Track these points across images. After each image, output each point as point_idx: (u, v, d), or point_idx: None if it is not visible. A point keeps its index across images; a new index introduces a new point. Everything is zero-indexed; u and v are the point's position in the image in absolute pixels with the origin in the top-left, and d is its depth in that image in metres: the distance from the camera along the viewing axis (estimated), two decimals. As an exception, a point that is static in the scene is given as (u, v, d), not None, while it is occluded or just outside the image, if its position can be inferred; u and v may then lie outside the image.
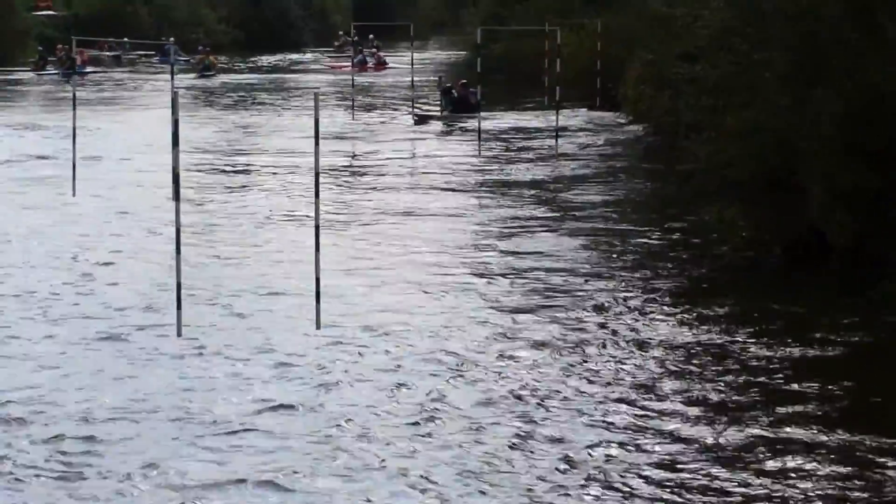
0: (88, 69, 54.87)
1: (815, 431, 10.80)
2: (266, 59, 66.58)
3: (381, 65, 59.02)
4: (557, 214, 21.21)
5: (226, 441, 10.73)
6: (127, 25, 65.70)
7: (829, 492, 9.61)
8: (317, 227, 13.94)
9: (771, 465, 10.13)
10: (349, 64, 54.76)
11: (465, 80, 36.88)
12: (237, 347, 13.50)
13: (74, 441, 10.71)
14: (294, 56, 69.11)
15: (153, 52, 64.32)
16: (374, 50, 60.20)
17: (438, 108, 36.95)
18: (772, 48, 16.71)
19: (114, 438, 10.77)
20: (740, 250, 17.83)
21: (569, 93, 34.56)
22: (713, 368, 12.63)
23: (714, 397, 11.79)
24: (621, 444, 10.57)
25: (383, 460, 10.27)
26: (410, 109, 37.32)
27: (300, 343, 13.61)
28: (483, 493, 9.66)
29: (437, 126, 35.11)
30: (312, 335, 13.66)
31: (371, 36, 59.82)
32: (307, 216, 19.37)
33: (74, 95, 25.31)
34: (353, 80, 43.24)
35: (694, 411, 11.38)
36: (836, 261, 15.99)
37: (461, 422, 11.18)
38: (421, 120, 36.05)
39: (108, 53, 66.30)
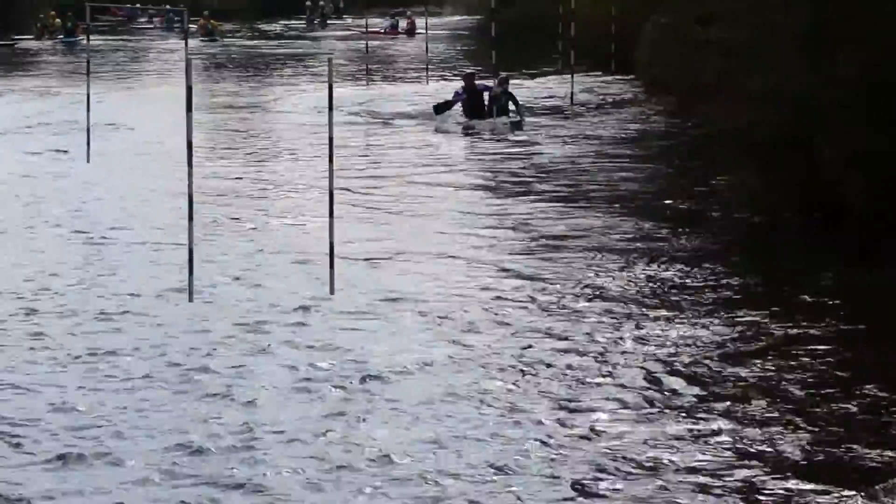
0: (80, 37, 54.68)
1: (835, 398, 10.71)
2: (274, 26, 66.33)
3: (412, 31, 58.78)
4: (571, 192, 20.51)
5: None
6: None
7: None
8: (331, 193, 13.90)
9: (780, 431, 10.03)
10: (382, 31, 55.07)
11: (471, 71, 30.88)
12: (248, 311, 13.42)
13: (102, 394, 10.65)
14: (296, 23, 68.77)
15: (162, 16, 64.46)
16: (408, 17, 60.19)
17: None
18: (791, 9, 16.55)
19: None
20: (758, 214, 17.72)
21: (583, 57, 34.42)
22: (724, 336, 12.47)
23: (728, 367, 11.69)
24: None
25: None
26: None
27: (312, 307, 13.50)
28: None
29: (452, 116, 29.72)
30: (325, 299, 13.61)
31: (409, 13, 59.99)
32: (321, 184, 19.15)
33: (88, 63, 25.21)
34: (366, 46, 43.08)
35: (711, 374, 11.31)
36: (852, 224, 15.87)
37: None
38: (441, 108, 29.55)
39: (119, 18, 66.30)
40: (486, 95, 29.23)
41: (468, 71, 30.58)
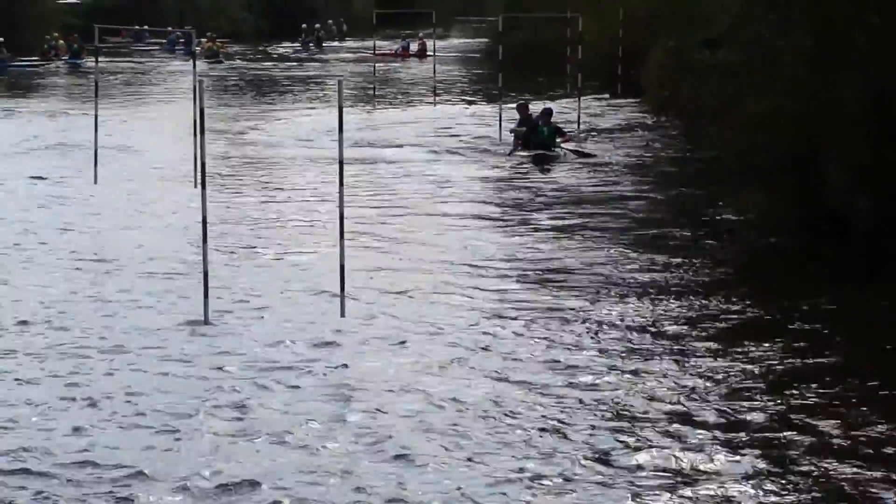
0: (85, 59, 54.85)
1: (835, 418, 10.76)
2: (279, 49, 66.34)
3: (423, 53, 58.76)
4: (578, 221, 20.17)
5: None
6: (149, 13, 65.77)
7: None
8: (341, 215, 13.94)
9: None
10: (393, 52, 55.38)
11: (523, 101, 29.48)
12: (264, 336, 13.47)
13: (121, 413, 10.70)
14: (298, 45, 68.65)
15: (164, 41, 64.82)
16: (420, 38, 60.41)
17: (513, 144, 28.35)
18: (794, 32, 16.65)
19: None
20: (764, 237, 17.76)
21: (591, 80, 34.49)
22: (735, 369, 12.44)
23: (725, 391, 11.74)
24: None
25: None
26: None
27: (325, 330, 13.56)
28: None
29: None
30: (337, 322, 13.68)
31: (421, 35, 60.27)
32: (330, 208, 19.12)
33: (97, 85, 25.32)
34: (374, 68, 43.17)
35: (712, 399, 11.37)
36: (858, 244, 15.90)
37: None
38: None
39: (126, 40, 66.55)
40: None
41: (522, 100, 29.20)
